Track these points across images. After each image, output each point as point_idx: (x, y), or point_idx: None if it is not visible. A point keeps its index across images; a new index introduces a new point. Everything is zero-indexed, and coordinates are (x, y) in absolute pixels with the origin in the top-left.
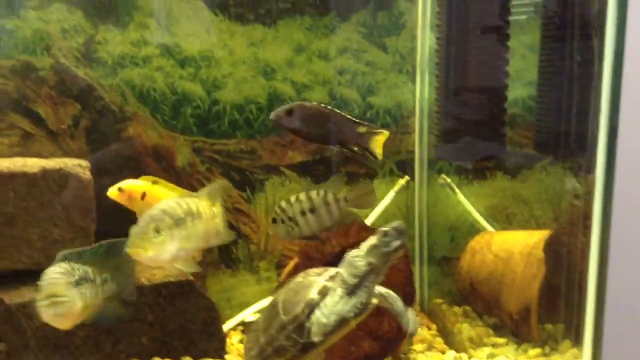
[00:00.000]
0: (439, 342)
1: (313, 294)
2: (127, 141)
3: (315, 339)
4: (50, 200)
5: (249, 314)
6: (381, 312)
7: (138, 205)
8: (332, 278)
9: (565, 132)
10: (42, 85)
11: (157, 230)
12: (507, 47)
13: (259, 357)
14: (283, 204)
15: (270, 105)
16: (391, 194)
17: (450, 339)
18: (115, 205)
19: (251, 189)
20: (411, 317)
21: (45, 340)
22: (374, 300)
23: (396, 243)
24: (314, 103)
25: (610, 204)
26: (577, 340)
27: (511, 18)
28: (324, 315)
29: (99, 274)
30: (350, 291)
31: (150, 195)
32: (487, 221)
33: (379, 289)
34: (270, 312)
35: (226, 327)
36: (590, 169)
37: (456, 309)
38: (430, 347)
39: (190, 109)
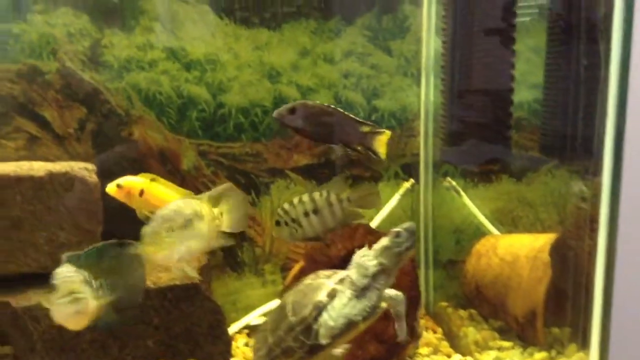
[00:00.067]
0: (445, 345)
1: (322, 296)
2: (133, 144)
3: (323, 341)
4: (57, 203)
5: (254, 317)
6: (387, 315)
7: (136, 202)
8: (341, 281)
9: (572, 135)
10: (48, 89)
11: (170, 230)
12: (513, 50)
13: (267, 357)
14: (286, 205)
15: (276, 108)
16: (396, 197)
17: (455, 343)
18: (121, 207)
19: (256, 192)
20: (404, 327)
21: (52, 343)
22: (383, 304)
23: (408, 244)
24: (317, 102)
25: (617, 207)
26: (584, 344)
27: (516, 20)
28: (332, 317)
29: (94, 278)
30: (360, 293)
31: (149, 192)
32: (493, 224)
33: (389, 291)
34: (279, 313)
35: (231, 330)
36: (597, 172)
37: (462, 312)
38: (435, 351)
39: (196, 112)
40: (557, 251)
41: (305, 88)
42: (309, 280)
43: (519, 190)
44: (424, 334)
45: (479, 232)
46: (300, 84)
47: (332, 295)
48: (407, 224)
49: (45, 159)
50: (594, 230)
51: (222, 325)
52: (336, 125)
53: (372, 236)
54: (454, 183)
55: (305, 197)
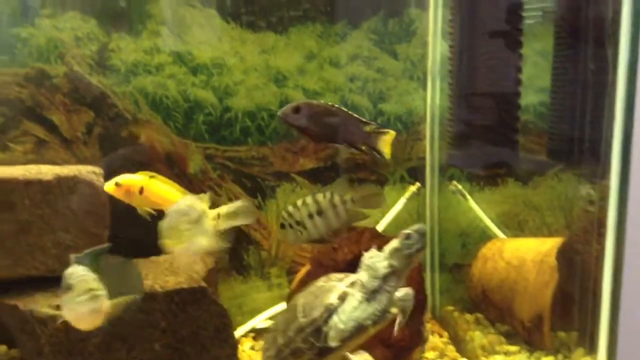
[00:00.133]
0: (451, 349)
1: (332, 299)
2: (140, 148)
3: (332, 344)
4: (65, 207)
5: (260, 321)
6: (394, 320)
7: (136, 200)
8: (352, 284)
9: (579, 139)
10: (56, 92)
11: (186, 224)
12: (520, 54)
13: (276, 358)
14: (290, 208)
15: None
16: (402, 201)
17: (462, 347)
18: (126, 210)
19: (262, 196)
20: (402, 324)
21: (59, 346)
22: (394, 310)
23: (418, 245)
24: (322, 102)
25: (625, 211)
26: (591, 348)
27: (523, 24)
28: (342, 320)
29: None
30: (370, 296)
31: (148, 189)
32: (499, 228)
33: (397, 291)
34: (290, 314)
35: (237, 333)
36: (604, 175)
37: (468, 316)
38: (442, 355)
39: (202, 116)
40: (564, 255)
41: (312, 92)
42: (320, 282)
43: (525, 193)
44: (430, 338)
45: (485, 236)
46: (307, 88)
47: (343, 297)
48: (417, 226)
49: (53, 162)
50: (601, 234)
51: (229, 329)
52: (340, 124)
53: (378, 240)
54: (460, 186)
55: (309, 199)
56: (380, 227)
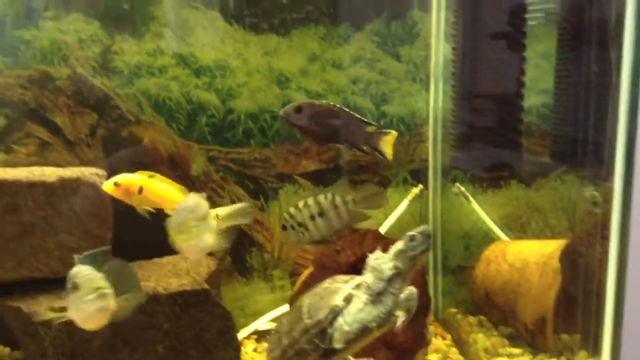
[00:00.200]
0: (454, 352)
1: (338, 301)
2: (143, 150)
3: (337, 345)
4: (68, 209)
5: (263, 323)
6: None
7: (136, 199)
8: (358, 286)
9: (582, 141)
10: (60, 94)
11: (195, 220)
12: (523, 57)
13: (281, 358)
14: (292, 210)
15: None
16: (405, 203)
17: (465, 349)
18: (129, 212)
19: (265, 198)
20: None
21: (62, 348)
22: (399, 313)
23: (423, 247)
24: (324, 102)
25: (629, 213)
26: (595, 351)
27: (526, 27)
28: (347, 322)
29: None
30: (375, 298)
31: (148, 189)
32: (502, 230)
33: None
34: (295, 315)
35: (240, 335)
36: (607, 178)
37: (471, 318)
38: (445, 357)
39: (205, 118)
40: (567, 257)
41: (314, 94)
42: (326, 283)
43: (528, 196)
44: (433, 340)
45: (488, 238)
46: (309, 90)
47: (348, 299)
48: (421, 228)
49: (57, 164)
50: (604, 236)
51: (232, 331)
52: (342, 125)
53: (381, 242)
54: (462, 189)
55: (311, 201)
56: (383, 229)
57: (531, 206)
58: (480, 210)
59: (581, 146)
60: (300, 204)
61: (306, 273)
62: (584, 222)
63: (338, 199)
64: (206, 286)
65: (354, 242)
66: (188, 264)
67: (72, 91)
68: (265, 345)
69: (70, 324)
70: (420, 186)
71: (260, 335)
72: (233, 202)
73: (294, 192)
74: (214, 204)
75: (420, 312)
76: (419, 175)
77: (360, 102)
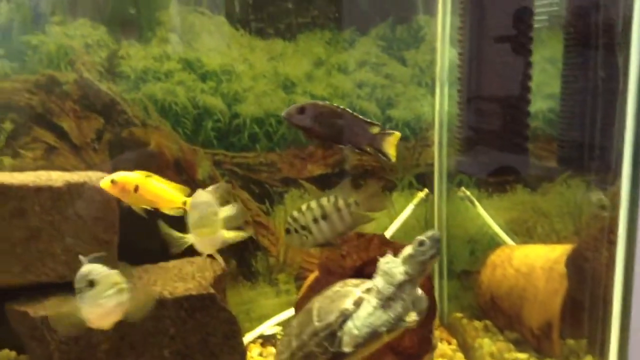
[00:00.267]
0: (460, 357)
1: (348, 304)
2: (149, 154)
3: (346, 349)
4: (74, 213)
5: (268, 327)
6: (407, 328)
7: (131, 198)
8: (368, 290)
9: (589, 146)
10: (66, 99)
11: (213, 215)
12: (530, 62)
13: None
14: (295, 213)
15: None
16: (410, 207)
17: (470, 354)
18: (135, 216)
19: (270, 202)
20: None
21: (68, 354)
22: (408, 319)
23: (432, 252)
24: (327, 103)
25: (636, 218)
26: (601, 356)
27: (532, 32)
28: (356, 326)
29: None
30: (385, 303)
31: (143, 188)
32: (508, 234)
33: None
34: (305, 318)
35: (245, 340)
36: (614, 182)
37: (476, 323)
38: None
39: (211, 122)
40: (574, 262)
41: (320, 98)
42: (337, 287)
43: (534, 200)
44: (439, 345)
45: (494, 243)
46: (315, 94)
47: (358, 303)
48: (430, 232)
49: (63, 169)
50: (611, 241)
51: (238, 336)
52: (345, 126)
53: (386, 247)
54: (468, 193)
55: (314, 204)
56: (388, 234)
57: (537, 211)
58: (485, 215)
59: (588, 151)
60: (304, 207)
61: (312, 277)
62: (590, 227)
63: (341, 202)
64: (212, 290)
65: (359, 247)
66: (194, 268)
67: (78, 96)
68: (270, 349)
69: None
70: (426, 190)
71: (265, 340)
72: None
73: (299, 196)
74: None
75: (426, 316)
76: (424, 180)
77: (365, 106)
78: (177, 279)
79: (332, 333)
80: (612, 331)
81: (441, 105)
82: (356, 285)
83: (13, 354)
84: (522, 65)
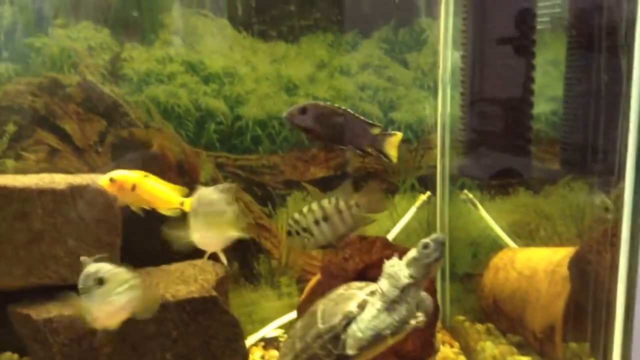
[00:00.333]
0: None
1: (352, 307)
2: (152, 157)
3: (350, 351)
4: (77, 216)
5: (270, 330)
6: (412, 330)
7: (129, 196)
8: (372, 293)
9: (592, 148)
10: (69, 102)
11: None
12: (533, 65)
13: None
14: (296, 215)
15: None
16: (413, 210)
17: (473, 357)
18: (137, 219)
19: (273, 204)
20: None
21: (71, 356)
22: (413, 322)
23: (436, 255)
24: (328, 103)
25: (639, 221)
26: None
27: (535, 35)
28: (360, 329)
29: None
30: (390, 306)
31: (141, 187)
32: (510, 237)
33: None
34: (309, 320)
35: (248, 342)
36: (617, 185)
37: (479, 326)
38: None
39: (214, 124)
40: (576, 265)
41: (322, 100)
42: (341, 289)
43: (537, 203)
44: (441, 348)
45: (496, 245)
46: (317, 97)
47: (362, 306)
48: (435, 235)
49: (66, 171)
50: (613, 244)
51: (240, 339)
52: (346, 126)
53: (389, 250)
54: (470, 195)
55: (315, 206)
56: (390, 237)
57: (539, 213)
58: (488, 218)
59: (590, 153)
60: (305, 209)
61: (314, 280)
62: (593, 230)
63: (342, 203)
64: (214, 293)
65: (362, 250)
66: (196, 271)
67: (81, 98)
68: (272, 352)
69: (78, 330)
70: (428, 193)
71: (267, 342)
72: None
73: (302, 198)
74: None
75: (429, 319)
76: (426, 182)
77: (368, 109)
78: (180, 282)
79: (336, 336)
80: (615, 334)
81: (443, 107)
82: (360, 288)
83: (15, 356)
84: (525, 67)
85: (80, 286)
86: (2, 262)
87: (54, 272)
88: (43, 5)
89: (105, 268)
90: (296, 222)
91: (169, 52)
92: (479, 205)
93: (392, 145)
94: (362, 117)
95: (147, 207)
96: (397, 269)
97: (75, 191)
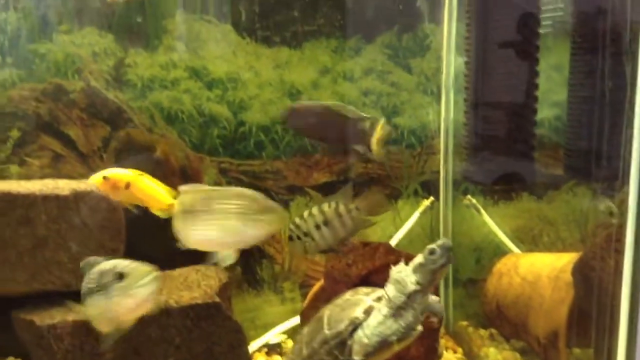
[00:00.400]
0: None
1: (358, 313)
2: (155, 162)
3: (356, 357)
4: (81, 221)
5: (273, 335)
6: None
7: (122, 195)
8: (379, 299)
9: (596, 154)
10: (73, 107)
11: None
12: (537, 71)
13: None
14: (297, 220)
15: None
16: (416, 215)
17: None
18: (140, 223)
19: None
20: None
21: None
22: (419, 328)
23: (442, 261)
24: (319, 102)
25: None
26: None
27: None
28: (366, 335)
29: None
30: (396, 312)
31: (135, 185)
32: (513, 243)
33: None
34: (315, 326)
35: (251, 348)
36: (621, 190)
37: (482, 331)
38: None
39: (217, 130)
40: (580, 271)
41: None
42: (347, 295)
43: (540, 208)
44: (445, 354)
45: (499, 251)
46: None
47: (368, 312)
48: (441, 241)
49: (70, 177)
50: (617, 249)
51: (243, 345)
52: (336, 124)
53: (392, 255)
54: (474, 201)
55: (315, 210)
56: (393, 242)
57: (543, 219)
58: (491, 223)
59: (594, 159)
60: (305, 213)
61: (317, 286)
62: (596, 235)
63: (342, 207)
64: (217, 299)
65: (365, 256)
66: (199, 276)
67: (85, 104)
68: (276, 358)
69: (81, 336)
70: (432, 198)
71: (270, 348)
72: None
73: (305, 204)
74: None
75: (432, 325)
76: (430, 187)
77: (371, 114)
78: (183, 288)
79: (343, 341)
80: (619, 340)
81: (447, 113)
82: (367, 294)
83: None
84: (529, 73)
85: (92, 285)
86: (6, 268)
87: (57, 278)
88: (47, 11)
89: (123, 263)
90: (297, 226)
91: (173, 57)
92: (482, 211)
93: (378, 141)
94: (352, 110)
95: (140, 205)
96: (404, 275)
97: (79, 197)
